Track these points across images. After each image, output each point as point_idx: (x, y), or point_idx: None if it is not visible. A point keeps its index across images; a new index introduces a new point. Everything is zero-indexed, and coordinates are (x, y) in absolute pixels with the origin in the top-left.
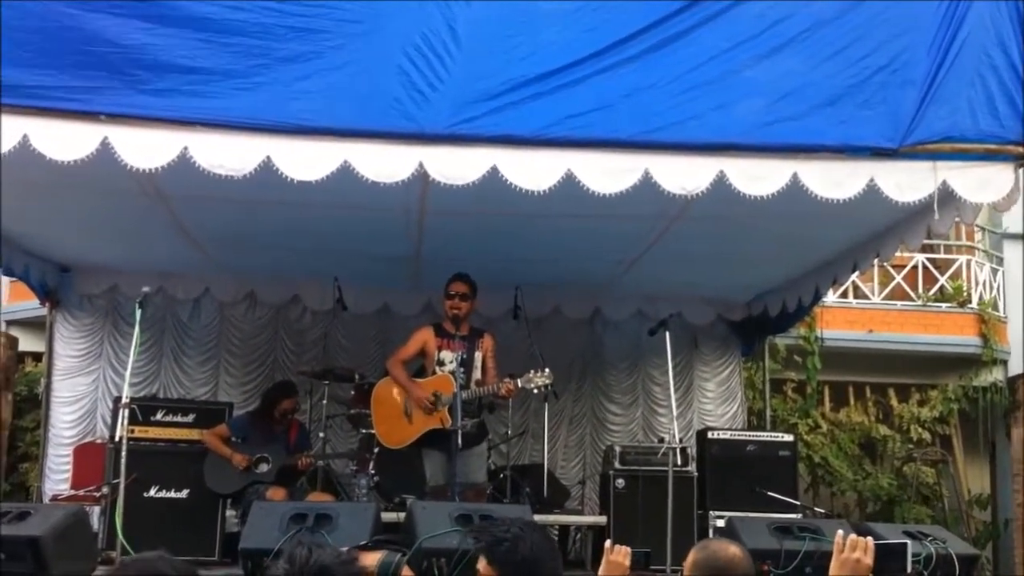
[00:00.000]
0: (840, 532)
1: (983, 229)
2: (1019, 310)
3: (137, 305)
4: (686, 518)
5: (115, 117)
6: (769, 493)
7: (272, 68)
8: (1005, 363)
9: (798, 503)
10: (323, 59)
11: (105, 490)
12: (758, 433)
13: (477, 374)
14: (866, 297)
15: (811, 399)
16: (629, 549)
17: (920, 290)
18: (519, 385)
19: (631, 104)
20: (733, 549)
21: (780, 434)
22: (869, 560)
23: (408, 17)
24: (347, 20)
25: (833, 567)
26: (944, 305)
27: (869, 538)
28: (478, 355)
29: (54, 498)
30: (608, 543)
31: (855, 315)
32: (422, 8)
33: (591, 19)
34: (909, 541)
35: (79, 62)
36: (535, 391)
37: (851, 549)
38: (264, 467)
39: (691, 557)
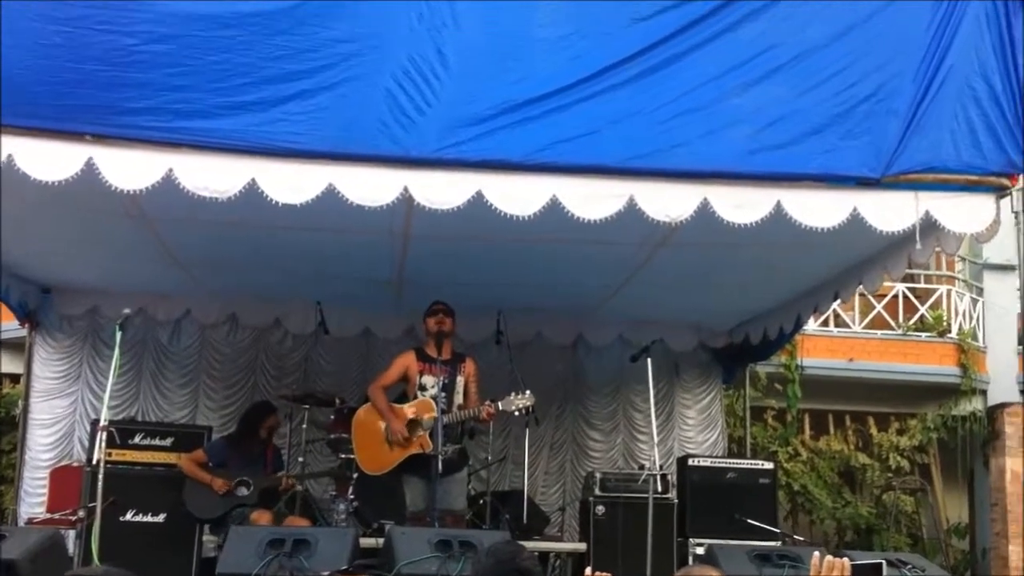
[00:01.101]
0: (816, 554)
1: (963, 259)
2: (998, 340)
3: (117, 327)
4: (666, 545)
5: (100, 137)
6: (749, 520)
7: (259, 87)
8: (984, 393)
9: (778, 531)
10: (310, 79)
11: (81, 514)
12: (738, 460)
13: (459, 399)
14: (847, 326)
15: (791, 427)
16: None
17: (900, 319)
18: (500, 408)
19: (617, 131)
20: (714, 574)
21: (760, 462)
22: None
23: (397, 40)
24: (336, 40)
25: None
26: (924, 335)
27: (845, 559)
28: (460, 380)
29: (30, 521)
30: (588, 571)
31: (836, 344)
32: (411, 31)
33: (580, 46)
34: (884, 562)
35: (66, 80)
36: (516, 413)
37: (828, 570)
38: (244, 491)
39: None
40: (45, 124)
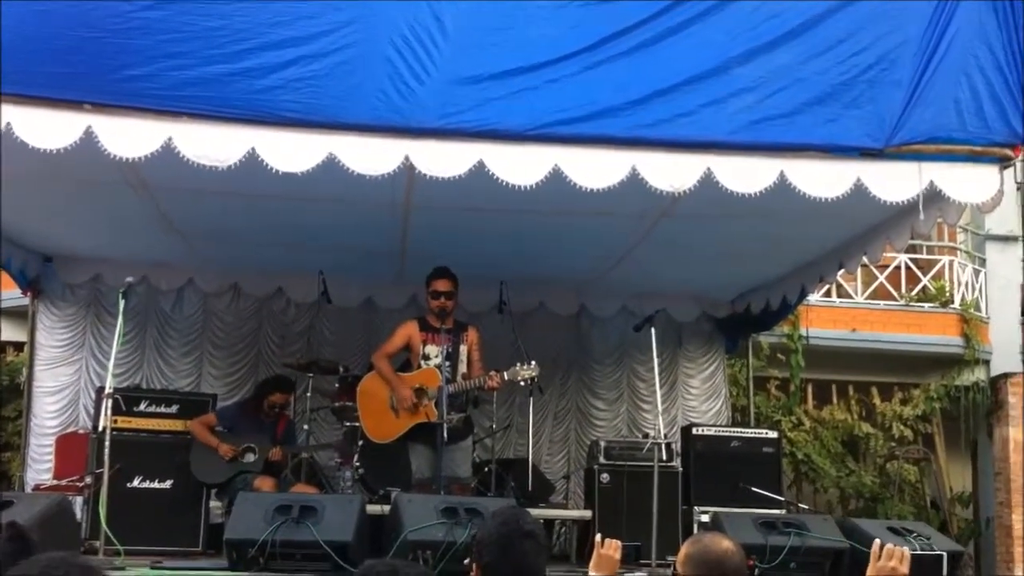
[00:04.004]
0: (877, 540)
1: (965, 230)
2: (1001, 311)
3: (120, 295)
4: (671, 513)
5: (99, 106)
6: (753, 489)
7: (256, 54)
8: (987, 363)
9: (782, 499)
10: (309, 46)
11: (88, 480)
12: (742, 429)
13: (463, 368)
14: (849, 296)
15: (794, 396)
16: (620, 543)
17: (903, 290)
18: (505, 378)
19: (619, 100)
20: (726, 543)
21: (764, 430)
22: (904, 569)
23: (396, 7)
24: (334, 6)
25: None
26: (927, 305)
27: (905, 548)
28: (463, 348)
29: (36, 488)
30: (598, 537)
31: (838, 314)
32: None
33: (581, 14)
34: (946, 553)
35: (63, 47)
36: (521, 384)
37: (887, 558)
38: (251, 457)
39: (684, 551)
40: (43, 92)
